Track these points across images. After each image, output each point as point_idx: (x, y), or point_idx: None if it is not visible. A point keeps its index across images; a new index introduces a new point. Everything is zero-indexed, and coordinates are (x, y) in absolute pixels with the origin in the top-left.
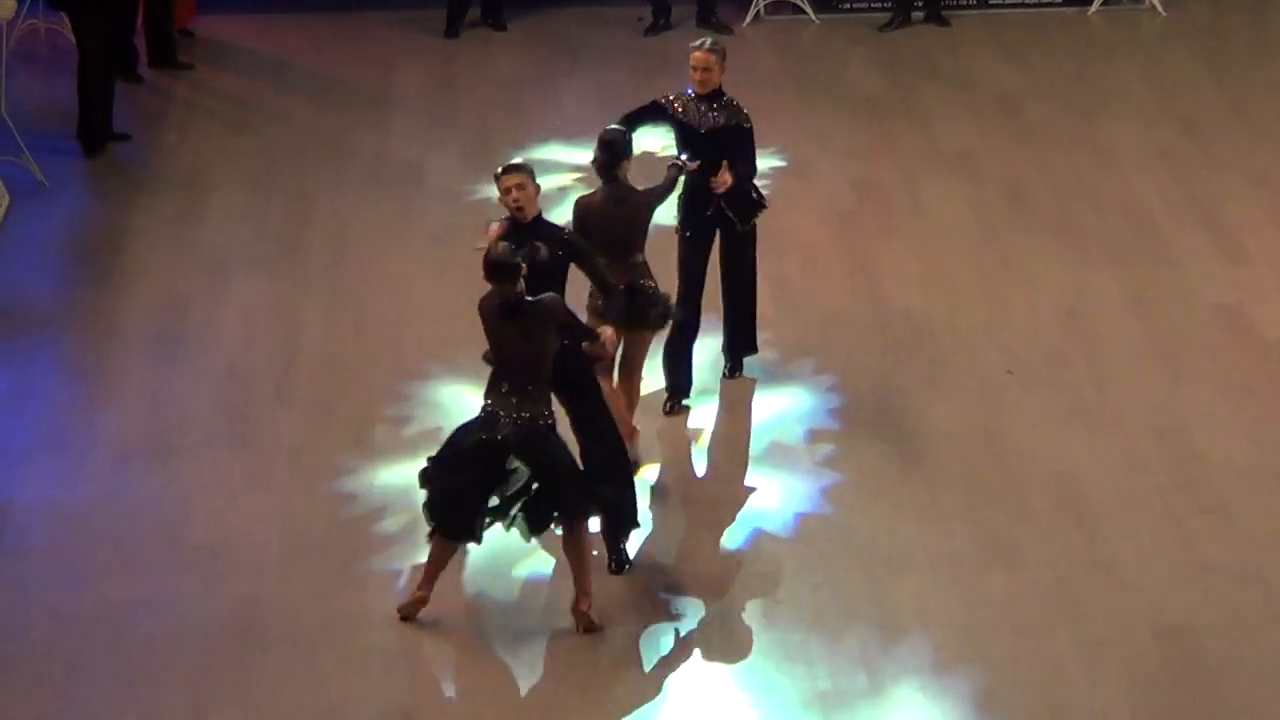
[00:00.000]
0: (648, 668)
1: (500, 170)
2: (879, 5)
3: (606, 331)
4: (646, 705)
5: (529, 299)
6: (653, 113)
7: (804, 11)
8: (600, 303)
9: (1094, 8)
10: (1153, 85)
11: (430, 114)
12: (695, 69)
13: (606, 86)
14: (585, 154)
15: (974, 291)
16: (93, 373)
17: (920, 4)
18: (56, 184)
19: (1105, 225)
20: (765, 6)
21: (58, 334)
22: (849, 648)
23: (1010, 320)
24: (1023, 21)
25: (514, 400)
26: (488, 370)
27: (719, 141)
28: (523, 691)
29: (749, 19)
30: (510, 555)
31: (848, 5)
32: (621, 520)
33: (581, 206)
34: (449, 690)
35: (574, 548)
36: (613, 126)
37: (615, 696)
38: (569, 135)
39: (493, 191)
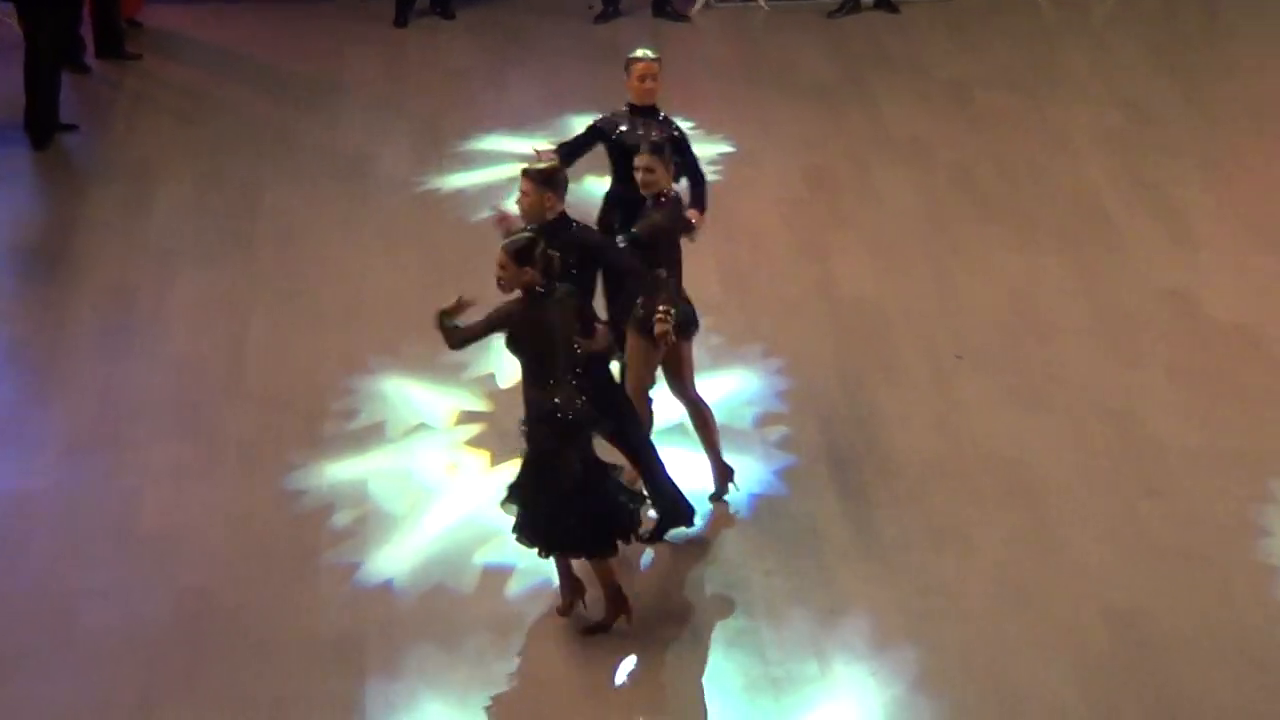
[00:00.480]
0: (596, 655)
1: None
2: None
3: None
4: (594, 692)
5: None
6: (592, 137)
7: None
8: (644, 311)
9: None
10: (1102, 70)
11: (379, 104)
12: (643, 79)
13: (557, 75)
14: (531, 143)
15: (925, 277)
16: (42, 364)
17: None
18: (4, 175)
19: (1055, 210)
20: None
21: (6, 325)
22: (799, 634)
23: (961, 305)
24: (972, 7)
25: (559, 393)
26: (434, 360)
27: None
28: (468, 680)
29: (699, 6)
30: (467, 546)
31: None
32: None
33: (652, 229)
34: (398, 681)
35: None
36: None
37: (563, 683)
38: (514, 125)
39: (441, 182)
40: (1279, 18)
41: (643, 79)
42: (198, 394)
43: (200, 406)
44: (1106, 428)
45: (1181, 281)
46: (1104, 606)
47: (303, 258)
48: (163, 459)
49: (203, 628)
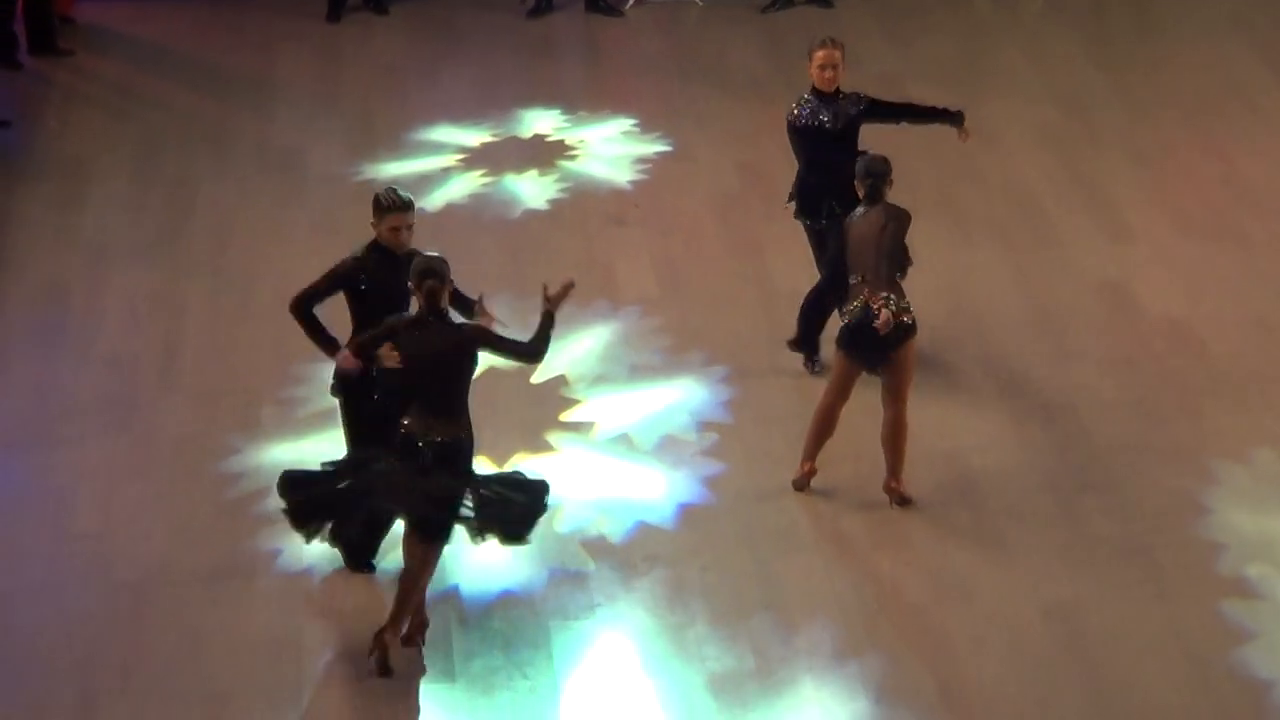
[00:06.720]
0: (539, 654)
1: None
2: None
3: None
4: (536, 695)
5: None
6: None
7: None
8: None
9: None
10: (1035, 65)
11: (313, 99)
12: (823, 68)
13: (489, 70)
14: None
15: None
16: None
17: None
18: None
19: (989, 205)
20: None
21: None
22: (736, 629)
23: None
24: (905, 2)
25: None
26: None
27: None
28: (406, 679)
29: (632, 1)
30: (390, 547)
31: None
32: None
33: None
34: (336, 675)
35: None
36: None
37: (502, 687)
38: (448, 120)
39: (375, 177)
40: (1206, 12)
41: (823, 68)
42: (132, 390)
43: (134, 403)
44: (1043, 421)
45: (1115, 274)
46: (1041, 601)
47: (237, 252)
48: (97, 455)
49: (138, 625)
